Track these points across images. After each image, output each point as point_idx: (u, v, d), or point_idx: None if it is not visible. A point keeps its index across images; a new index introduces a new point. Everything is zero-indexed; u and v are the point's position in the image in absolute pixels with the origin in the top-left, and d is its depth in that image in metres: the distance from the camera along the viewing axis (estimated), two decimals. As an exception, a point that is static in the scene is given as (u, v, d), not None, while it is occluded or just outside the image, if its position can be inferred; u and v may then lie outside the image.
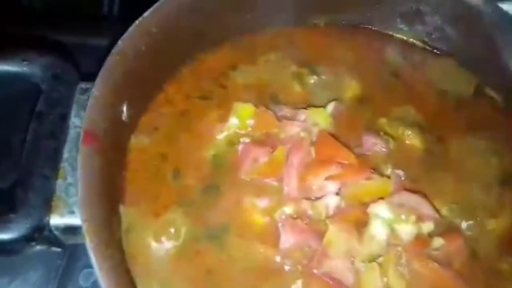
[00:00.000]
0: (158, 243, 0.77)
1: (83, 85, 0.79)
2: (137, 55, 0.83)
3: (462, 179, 0.91)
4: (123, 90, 0.80)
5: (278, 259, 0.78)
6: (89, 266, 0.92)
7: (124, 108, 0.81)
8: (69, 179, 0.70)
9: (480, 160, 0.94)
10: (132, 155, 0.86)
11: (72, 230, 0.67)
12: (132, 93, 0.84)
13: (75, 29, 1.16)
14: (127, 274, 0.65)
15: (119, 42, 0.79)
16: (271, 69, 1.03)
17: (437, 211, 0.83)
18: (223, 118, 0.91)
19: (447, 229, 0.84)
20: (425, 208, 0.82)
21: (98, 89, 0.74)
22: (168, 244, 0.78)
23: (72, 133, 0.74)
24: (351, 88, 1.01)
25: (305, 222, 0.81)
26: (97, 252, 0.60)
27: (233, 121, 0.91)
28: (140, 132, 0.89)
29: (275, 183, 0.85)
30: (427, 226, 0.81)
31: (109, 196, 0.71)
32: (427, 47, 1.09)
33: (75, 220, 0.67)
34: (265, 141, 0.89)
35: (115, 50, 0.79)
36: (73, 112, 0.75)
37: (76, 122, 0.75)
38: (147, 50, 0.84)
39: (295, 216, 0.81)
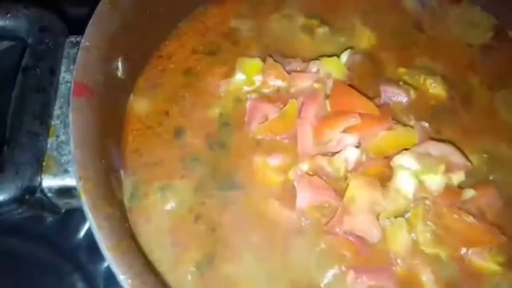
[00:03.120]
0: (163, 206, 0.71)
1: (73, 38, 0.72)
2: (131, 5, 0.75)
3: (491, 129, 0.84)
4: (117, 43, 0.73)
5: (294, 217, 0.72)
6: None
7: (120, 63, 0.74)
8: (62, 137, 0.63)
9: (509, 109, 0.87)
10: (132, 114, 0.80)
11: (67, 191, 0.61)
12: (129, 47, 0.77)
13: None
14: (129, 233, 0.59)
15: (110, -11, 0.72)
16: (278, 22, 0.95)
17: (469, 160, 0.76)
18: (229, 75, 0.85)
19: (478, 180, 0.77)
20: (455, 157, 0.75)
21: (88, 39, 0.67)
22: (173, 207, 0.72)
23: (63, 88, 0.67)
24: (366, 37, 0.93)
25: (323, 179, 0.74)
26: (95, 210, 0.54)
27: (239, 77, 0.84)
28: (141, 90, 0.82)
29: (287, 141, 0.79)
30: (458, 176, 0.74)
31: (107, 155, 0.65)
32: (447, -8, 1.01)
33: (69, 180, 0.60)
34: (275, 96, 0.83)
35: (106, -3, 0.72)
36: (63, 67, 0.69)
37: (67, 77, 0.69)
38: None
39: (311, 173, 0.75)
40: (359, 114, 0.75)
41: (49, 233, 0.97)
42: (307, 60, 0.87)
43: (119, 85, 0.76)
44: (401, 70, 0.89)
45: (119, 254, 0.51)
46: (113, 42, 0.71)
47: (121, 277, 0.50)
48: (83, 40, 0.66)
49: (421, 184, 0.71)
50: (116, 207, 0.58)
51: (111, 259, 0.51)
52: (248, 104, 0.81)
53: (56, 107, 0.65)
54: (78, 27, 0.74)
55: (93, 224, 0.53)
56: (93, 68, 0.66)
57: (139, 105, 0.82)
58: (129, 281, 0.50)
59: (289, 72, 0.84)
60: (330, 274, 0.69)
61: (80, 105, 0.61)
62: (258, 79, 0.84)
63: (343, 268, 0.69)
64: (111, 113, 0.72)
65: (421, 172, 0.72)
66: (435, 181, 0.71)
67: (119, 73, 0.75)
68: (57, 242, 0.96)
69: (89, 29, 0.68)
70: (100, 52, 0.68)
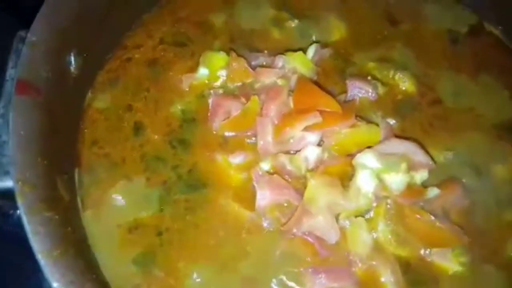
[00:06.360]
0: (116, 206, 0.69)
1: (23, 33, 0.69)
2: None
3: (460, 125, 0.82)
4: (69, 36, 0.70)
5: (254, 217, 0.70)
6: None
7: (72, 58, 0.71)
8: (4, 137, 0.61)
9: (481, 104, 0.84)
10: (90, 109, 0.77)
11: (9, 193, 0.58)
12: (85, 40, 0.74)
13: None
14: (69, 238, 0.56)
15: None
16: (247, 14, 0.92)
17: (432, 159, 0.74)
18: (194, 69, 0.82)
19: (444, 179, 0.75)
20: (418, 155, 0.72)
21: (35, 33, 0.64)
22: (126, 208, 0.70)
23: (8, 86, 0.64)
24: (337, 31, 0.90)
25: (285, 178, 0.72)
26: (30, 215, 0.51)
27: (203, 71, 0.82)
28: (101, 83, 0.80)
29: (251, 139, 0.77)
30: (421, 175, 0.71)
31: (54, 155, 0.62)
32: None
33: (10, 183, 0.58)
34: (239, 92, 0.80)
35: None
36: (10, 63, 0.66)
37: (14, 74, 0.65)
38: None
39: (272, 171, 0.73)
40: (321, 111, 0.73)
41: (14, 230, 0.94)
42: (275, 54, 0.84)
43: (73, 80, 0.73)
44: (371, 64, 0.86)
45: (52, 261, 0.49)
46: (64, 35, 0.68)
47: (54, 285, 0.48)
48: (29, 34, 0.63)
49: (382, 183, 0.69)
50: (58, 210, 0.56)
51: (44, 266, 0.49)
52: (210, 100, 0.79)
53: (0, 106, 0.63)
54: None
55: (27, 229, 0.51)
56: (40, 65, 0.63)
57: (99, 99, 0.79)
58: (62, 288, 0.48)
59: (255, 67, 0.81)
60: (287, 275, 0.67)
61: (23, 104, 0.58)
62: (222, 74, 0.81)
63: (301, 269, 0.67)
64: (64, 110, 0.69)
65: (382, 170, 0.69)
66: (396, 180, 0.69)
67: (72, 68, 0.72)
68: (22, 240, 0.95)
69: (37, 22, 0.65)
70: (49, 47, 0.65)
